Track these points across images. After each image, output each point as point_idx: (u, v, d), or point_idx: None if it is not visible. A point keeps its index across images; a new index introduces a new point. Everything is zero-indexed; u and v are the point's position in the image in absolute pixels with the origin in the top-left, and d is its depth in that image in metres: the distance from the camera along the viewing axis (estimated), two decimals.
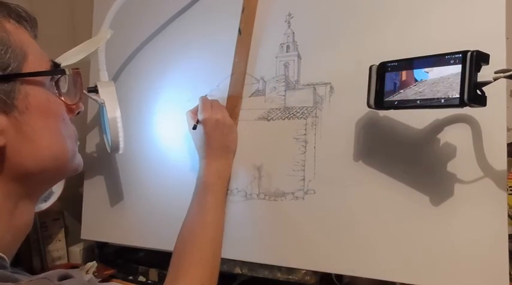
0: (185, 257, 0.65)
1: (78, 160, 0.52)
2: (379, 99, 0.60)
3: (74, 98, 0.52)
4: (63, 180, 0.91)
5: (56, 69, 0.49)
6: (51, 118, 0.47)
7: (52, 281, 0.41)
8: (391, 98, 0.58)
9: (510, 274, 0.59)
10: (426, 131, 0.63)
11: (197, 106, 0.76)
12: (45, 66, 0.48)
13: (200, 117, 0.73)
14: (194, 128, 0.74)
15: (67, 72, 0.50)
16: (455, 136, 0.61)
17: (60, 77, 0.49)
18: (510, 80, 0.51)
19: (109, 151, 0.81)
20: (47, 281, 0.41)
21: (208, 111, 0.73)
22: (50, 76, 0.48)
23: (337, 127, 0.70)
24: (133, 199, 0.89)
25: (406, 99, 0.56)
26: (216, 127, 0.72)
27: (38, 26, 0.53)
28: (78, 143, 0.53)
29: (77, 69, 0.52)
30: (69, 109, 0.51)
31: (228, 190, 0.76)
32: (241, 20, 0.77)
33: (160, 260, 0.90)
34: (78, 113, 0.54)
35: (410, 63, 0.57)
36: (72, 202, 1.00)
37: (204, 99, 0.76)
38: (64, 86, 0.51)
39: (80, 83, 0.52)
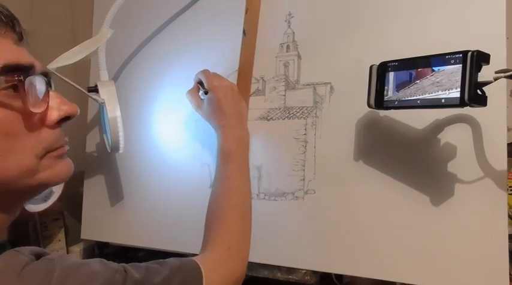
0: (211, 225, 0.64)
1: (49, 173, 0.47)
2: (379, 98, 0.60)
3: (36, 106, 0.45)
4: None
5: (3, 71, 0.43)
6: None
7: (23, 253, 0.40)
8: (404, 92, 0.57)
9: (510, 274, 0.59)
10: (426, 131, 0.63)
11: (196, 85, 0.75)
12: None
13: (209, 85, 0.71)
14: (206, 93, 0.72)
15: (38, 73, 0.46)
16: (456, 136, 0.61)
17: (17, 81, 0.43)
18: (510, 80, 0.51)
19: (109, 151, 0.81)
20: (16, 253, 0.40)
21: (216, 79, 0.71)
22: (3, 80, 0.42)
23: (337, 127, 0.70)
24: (133, 199, 0.89)
25: (406, 98, 0.56)
26: (227, 93, 0.70)
27: (18, 26, 0.49)
28: (56, 153, 0.48)
29: (45, 71, 0.47)
30: (42, 119, 0.45)
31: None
32: (245, 21, 0.77)
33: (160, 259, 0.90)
34: (67, 118, 0.48)
35: (411, 63, 0.57)
36: (72, 202, 1.00)
37: (205, 71, 0.74)
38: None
39: (46, 88, 0.46)
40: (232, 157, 0.68)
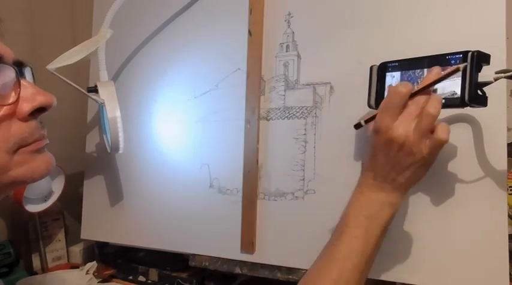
0: None
1: (24, 169, 0.44)
2: (380, 99, 0.59)
3: (5, 98, 0.43)
4: (63, 180, 0.92)
5: None
6: None
7: None
8: None
9: (510, 274, 0.59)
10: None
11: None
12: None
13: (376, 121, 0.52)
14: (357, 127, 0.57)
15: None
16: (456, 136, 0.61)
17: None
18: (510, 80, 0.51)
19: (109, 151, 0.81)
20: None
21: (388, 119, 0.50)
22: None
23: (337, 127, 0.69)
24: (133, 199, 0.89)
25: None
26: (391, 147, 0.50)
27: None
28: (28, 148, 0.44)
29: (11, 65, 0.44)
30: (10, 112, 0.43)
31: (379, 237, 0.53)
32: (250, 22, 0.77)
33: (160, 260, 0.90)
34: (42, 110, 0.45)
35: (411, 63, 0.56)
36: (72, 202, 1.01)
37: (395, 91, 0.50)
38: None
39: (15, 81, 0.44)
40: (347, 232, 0.52)
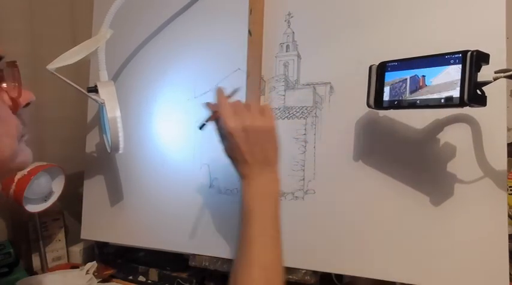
0: None
1: (22, 158, 0.49)
2: (379, 98, 0.60)
3: (13, 92, 0.48)
4: (63, 180, 0.92)
5: None
6: None
7: None
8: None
9: (510, 274, 0.59)
10: (426, 131, 0.63)
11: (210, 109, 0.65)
12: None
13: (225, 128, 0.59)
14: (201, 128, 0.64)
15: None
16: (455, 136, 0.61)
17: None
18: (510, 80, 0.51)
19: (109, 151, 0.81)
20: None
21: (232, 119, 0.59)
22: None
23: (337, 127, 0.70)
24: (133, 199, 0.89)
25: (406, 98, 0.56)
26: (247, 137, 0.59)
27: None
28: (26, 137, 0.50)
29: (13, 61, 0.49)
30: (13, 103, 0.48)
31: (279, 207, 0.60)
32: (250, 21, 0.77)
33: (160, 260, 0.90)
34: (27, 105, 0.50)
35: (410, 63, 0.56)
36: (72, 202, 1.01)
37: (222, 103, 0.61)
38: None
39: (18, 76, 0.49)
40: (254, 217, 0.57)
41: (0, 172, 0.47)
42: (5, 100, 0.47)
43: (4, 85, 0.47)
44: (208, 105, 0.65)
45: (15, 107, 0.48)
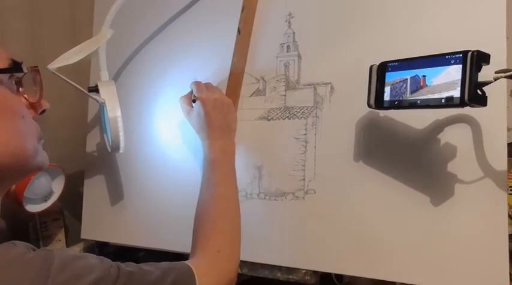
0: (200, 231, 0.65)
1: (42, 157, 0.52)
2: (379, 99, 0.60)
3: (35, 96, 0.52)
4: (63, 180, 0.92)
5: (11, 67, 0.50)
6: (8, 115, 0.47)
7: (18, 245, 0.43)
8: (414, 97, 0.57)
9: (510, 274, 0.59)
10: (426, 131, 0.63)
11: (190, 92, 0.77)
12: (2, 64, 0.48)
13: (198, 97, 0.72)
14: (194, 101, 0.74)
15: (24, 70, 0.51)
16: (456, 136, 0.61)
17: (23, 75, 0.51)
18: (510, 80, 0.52)
19: (109, 151, 0.81)
20: (11, 245, 0.42)
21: (205, 91, 0.73)
22: (8, 74, 0.49)
23: (337, 127, 0.70)
24: (134, 199, 0.89)
25: (406, 99, 0.56)
26: (215, 106, 0.71)
27: None
28: (43, 141, 0.53)
29: (36, 67, 0.53)
30: (32, 107, 0.52)
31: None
32: (240, 20, 0.77)
33: (160, 260, 0.89)
34: (43, 111, 0.55)
35: (411, 63, 0.57)
36: (72, 202, 1.00)
37: (197, 82, 0.75)
38: (28, 84, 0.52)
39: (40, 81, 0.53)
40: (217, 166, 0.69)
41: (22, 169, 0.50)
42: (27, 104, 0.51)
43: (21, 89, 0.51)
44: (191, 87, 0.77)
45: (35, 110, 0.52)
